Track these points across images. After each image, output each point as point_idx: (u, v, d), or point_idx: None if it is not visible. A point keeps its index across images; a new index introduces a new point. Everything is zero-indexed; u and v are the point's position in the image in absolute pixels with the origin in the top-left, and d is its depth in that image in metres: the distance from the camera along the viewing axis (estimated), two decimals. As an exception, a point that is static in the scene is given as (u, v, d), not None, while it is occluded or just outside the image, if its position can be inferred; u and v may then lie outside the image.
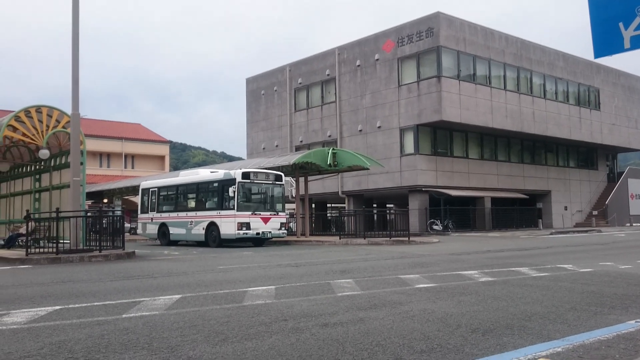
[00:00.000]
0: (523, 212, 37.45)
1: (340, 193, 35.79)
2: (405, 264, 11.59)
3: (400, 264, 11.75)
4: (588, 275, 9.29)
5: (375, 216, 32.79)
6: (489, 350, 4.28)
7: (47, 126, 18.26)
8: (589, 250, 15.95)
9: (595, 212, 42.08)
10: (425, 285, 7.98)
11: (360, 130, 34.40)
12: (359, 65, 34.67)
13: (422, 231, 30.65)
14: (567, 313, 5.81)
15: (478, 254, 14.67)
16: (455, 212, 33.30)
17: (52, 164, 20.27)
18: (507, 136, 36.41)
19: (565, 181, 41.13)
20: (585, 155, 43.80)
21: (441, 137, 33.15)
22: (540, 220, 38.25)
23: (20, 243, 17.73)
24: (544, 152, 40.29)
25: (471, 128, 33.32)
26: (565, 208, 40.89)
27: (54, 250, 14.54)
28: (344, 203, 37.51)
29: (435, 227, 31.56)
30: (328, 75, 36.68)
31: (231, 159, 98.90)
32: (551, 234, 29.35)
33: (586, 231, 32.15)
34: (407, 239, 21.63)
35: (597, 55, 5.67)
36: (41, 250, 15.04)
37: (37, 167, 21.25)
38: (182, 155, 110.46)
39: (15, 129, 18.31)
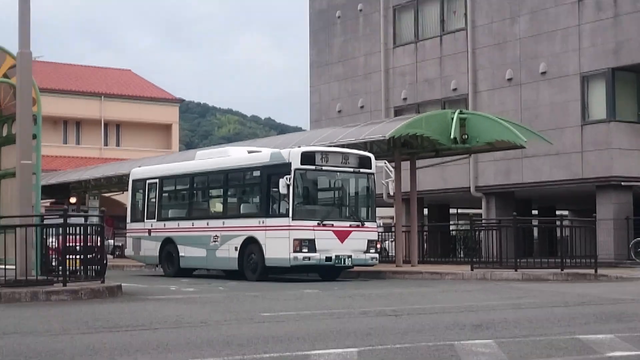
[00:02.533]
0: None
1: (473, 190, 34.88)
2: (589, 316, 11.66)
3: (579, 314, 11.88)
4: None
5: (535, 231, 32.09)
6: None
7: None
8: None
9: None
10: (625, 354, 7.85)
11: (510, 80, 33.27)
12: (508, -32, 33.36)
13: (619, 258, 29.63)
14: None
15: None
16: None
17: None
18: None
19: None
20: None
21: (658, 91, 31.34)
22: None
23: None
24: None
25: None
26: None
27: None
28: (480, 207, 36.82)
29: (644, 250, 29.88)
30: (453, -16, 35.81)
31: (283, 129, 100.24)
32: None
33: None
34: (592, 271, 21.98)
35: None
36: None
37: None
38: (201, 124, 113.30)
39: None
